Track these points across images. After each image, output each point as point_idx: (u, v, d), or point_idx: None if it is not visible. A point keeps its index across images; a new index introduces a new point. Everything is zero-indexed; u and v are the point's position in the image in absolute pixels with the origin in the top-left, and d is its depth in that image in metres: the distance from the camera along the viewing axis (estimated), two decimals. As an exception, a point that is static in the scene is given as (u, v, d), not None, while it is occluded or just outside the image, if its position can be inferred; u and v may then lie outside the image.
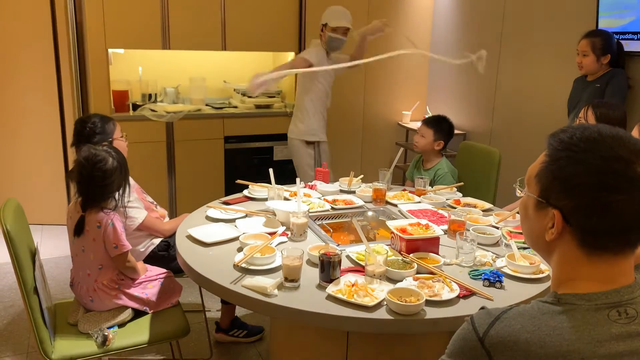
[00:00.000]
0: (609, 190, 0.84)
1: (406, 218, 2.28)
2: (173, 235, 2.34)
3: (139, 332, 2.04)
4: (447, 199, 2.59)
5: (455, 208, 2.45)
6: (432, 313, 1.54)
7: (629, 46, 3.06)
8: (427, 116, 4.16)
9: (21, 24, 3.97)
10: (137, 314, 2.12)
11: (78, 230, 2.05)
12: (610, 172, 0.84)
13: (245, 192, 2.62)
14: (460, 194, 2.71)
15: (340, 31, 3.47)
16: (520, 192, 1.01)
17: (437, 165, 3.03)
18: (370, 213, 2.39)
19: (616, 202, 0.84)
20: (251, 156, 4.37)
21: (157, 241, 2.51)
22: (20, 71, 4.05)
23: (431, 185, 2.89)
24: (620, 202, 0.83)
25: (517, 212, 2.23)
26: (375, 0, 4.56)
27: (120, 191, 2.11)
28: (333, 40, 3.48)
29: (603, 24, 3.21)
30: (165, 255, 2.49)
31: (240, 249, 1.94)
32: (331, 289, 1.62)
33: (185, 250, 1.95)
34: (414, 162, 3.25)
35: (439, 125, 3.04)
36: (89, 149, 2.06)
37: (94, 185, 2.03)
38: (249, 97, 4.39)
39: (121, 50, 4.12)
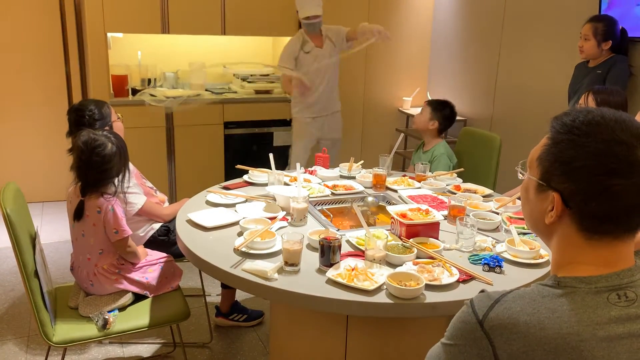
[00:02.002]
0: (609, 173, 0.83)
1: (406, 203, 2.28)
2: (173, 220, 2.34)
3: (139, 316, 2.05)
4: (447, 185, 2.59)
5: (455, 194, 2.45)
6: (431, 297, 1.55)
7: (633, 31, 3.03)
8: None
9: (28, 8, 3.99)
10: (138, 297, 2.13)
11: (77, 214, 2.05)
12: (611, 156, 0.84)
13: (245, 177, 2.62)
14: (461, 180, 2.71)
15: (311, 18, 3.54)
16: (522, 175, 1.00)
17: (434, 147, 3.03)
18: (370, 198, 2.39)
19: (616, 186, 0.83)
20: (251, 141, 4.36)
21: (157, 226, 2.51)
22: (25, 52, 4.12)
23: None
24: (620, 186, 0.83)
25: (517, 198, 2.24)
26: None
27: (120, 176, 2.10)
28: (307, 25, 3.60)
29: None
30: (165, 239, 2.49)
31: (240, 234, 1.94)
32: (331, 273, 1.63)
33: (185, 235, 1.95)
34: (417, 147, 3.25)
35: (440, 107, 3.05)
36: (88, 133, 2.04)
37: (93, 170, 2.01)
38: (249, 82, 4.37)
39: (120, 35, 4.09)
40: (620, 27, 2.98)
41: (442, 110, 3.04)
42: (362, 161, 2.86)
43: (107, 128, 2.32)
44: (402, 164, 4.86)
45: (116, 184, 2.09)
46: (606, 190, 0.84)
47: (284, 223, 2.07)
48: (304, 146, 3.86)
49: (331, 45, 3.69)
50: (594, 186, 0.85)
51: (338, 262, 1.69)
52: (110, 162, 2.03)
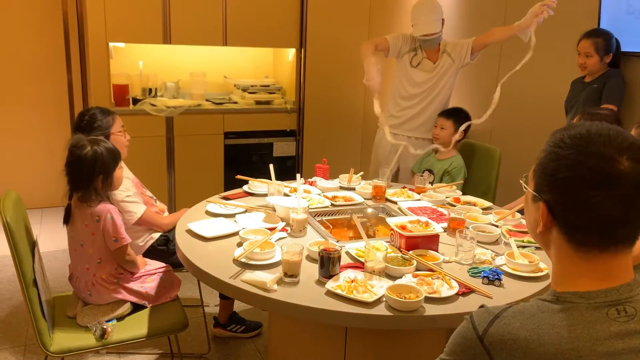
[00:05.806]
0: (587, 185, 0.85)
1: (406, 215, 2.28)
2: (172, 229, 2.34)
3: (137, 326, 2.04)
4: (446, 197, 2.59)
5: (455, 206, 2.45)
6: (431, 310, 1.55)
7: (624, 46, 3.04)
8: None
9: (31, 17, 4.05)
10: (136, 307, 2.13)
11: (65, 218, 2.06)
12: (588, 168, 0.85)
13: (245, 187, 2.62)
14: (460, 192, 2.71)
15: (428, 35, 3.08)
16: (526, 188, 1.03)
17: (452, 158, 3.00)
18: (370, 210, 2.40)
19: (593, 198, 0.85)
20: (251, 152, 4.37)
21: (156, 235, 2.51)
22: (27, 60, 4.19)
23: (442, 176, 2.89)
24: (597, 197, 0.84)
25: (517, 211, 2.25)
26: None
27: (96, 184, 2.02)
28: (423, 42, 3.16)
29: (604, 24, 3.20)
30: (164, 249, 2.49)
31: (239, 244, 1.94)
32: (330, 284, 1.63)
33: (184, 245, 1.95)
34: (425, 154, 3.19)
35: (457, 115, 3.04)
36: (78, 135, 2.07)
37: (66, 169, 2.02)
38: (250, 93, 4.39)
39: (122, 44, 4.11)
40: (615, 40, 2.99)
41: (461, 118, 3.02)
42: (361, 172, 2.86)
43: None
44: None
45: (93, 189, 2.01)
46: (584, 201, 0.85)
47: (284, 234, 2.07)
48: (380, 161, 3.33)
49: (449, 62, 3.19)
50: (574, 197, 0.87)
51: (337, 273, 1.69)
52: (79, 163, 1.99)
